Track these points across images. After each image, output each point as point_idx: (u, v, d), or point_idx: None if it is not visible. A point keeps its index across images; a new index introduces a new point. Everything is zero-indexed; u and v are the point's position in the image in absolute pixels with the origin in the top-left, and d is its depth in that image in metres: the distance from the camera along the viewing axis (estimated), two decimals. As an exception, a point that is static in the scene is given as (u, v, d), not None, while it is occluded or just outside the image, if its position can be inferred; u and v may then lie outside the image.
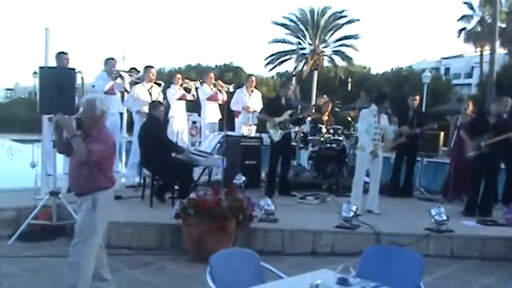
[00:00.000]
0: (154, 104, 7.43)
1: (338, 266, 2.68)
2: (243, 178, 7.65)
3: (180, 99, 9.10)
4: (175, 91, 9.08)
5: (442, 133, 9.39)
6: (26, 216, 6.01)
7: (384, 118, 7.12)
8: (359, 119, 7.42)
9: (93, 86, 8.33)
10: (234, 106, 9.51)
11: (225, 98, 9.29)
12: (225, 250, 3.19)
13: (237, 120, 9.65)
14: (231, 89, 9.46)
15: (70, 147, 3.92)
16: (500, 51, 33.80)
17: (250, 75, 10.00)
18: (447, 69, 48.45)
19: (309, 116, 9.24)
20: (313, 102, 10.63)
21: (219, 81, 9.55)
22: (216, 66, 30.80)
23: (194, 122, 9.91)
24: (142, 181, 7.55)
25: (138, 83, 8.54)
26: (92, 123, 3.95)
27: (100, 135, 3.95)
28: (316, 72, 12.36)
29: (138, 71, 8.77)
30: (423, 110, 13.29)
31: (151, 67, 8.74)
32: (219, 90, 9.35)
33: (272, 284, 2.91)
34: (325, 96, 9.94)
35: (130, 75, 8.53)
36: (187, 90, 9.18)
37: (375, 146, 7.04)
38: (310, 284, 2.67)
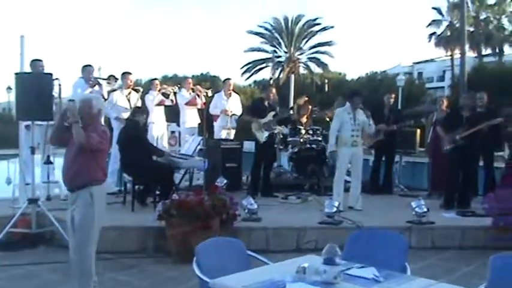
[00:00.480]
0: (140, 110, 7.49)
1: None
2: (225, 181, 7.64)
3: (158, 104, 9.08)
4: (153, 97, 9.06)
5: (418, 130, 9.53)
6: (4, 225, 5.89)
7: (360, 113, 7.22)
8: (333, 118, 7.52)
9: (70, 100, 8.24)
10: (212, 110, 9.52)
11: (204, 101, 9.30)
12: (211, 239, 3.20)
13: (215, 124, 9.66)
14: (209, 94, 9.47)
15: (67, 138, 4.04)
16: (470, 54, 34.62)
17: (227, 79, 10.05)
18: (420, 74, 49.26)
19: (289, 116, 9.31)
20: (291, 105, 10.66)
21: (198, 86, 9.56)
22: (192, 76, 30.69)
23: (173, 132, 9.90)
24: (123, 187, 7.48)
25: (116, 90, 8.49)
26: (90, 122, 4.08)
27: (97, 130, 4.07)
28: (292, 76, 12.51)
29: (116, 79, 8.69)
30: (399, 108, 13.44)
31: (129, 73, 8.70)
32: (197, 95, 9.36)
33: (259, 269, 2.93)
34: (304, 96, 10.02)
35: (108, 83, 8.46)
36: (166, 95, 9.17)
37: (354, 142, 7.14)
38: (297, 267, 2.71)
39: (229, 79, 10.04)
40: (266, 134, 8.07)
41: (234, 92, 9.92)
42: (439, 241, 6.18)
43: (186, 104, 9.40)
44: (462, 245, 6.20)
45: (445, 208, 7.26)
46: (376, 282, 2.61)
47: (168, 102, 9.20)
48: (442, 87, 42.53)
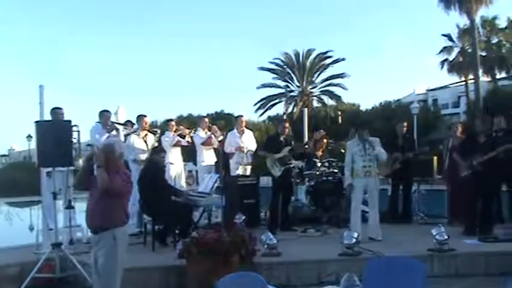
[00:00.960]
0: (157, 149, 7.64)
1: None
2: (243, 217, 7.68)
3: (175, 145, 9.24)
4: (169, 138, 9.24)
5: (435, 157, 9.51)
6: (29, 271, 6.00)
7: (375, 143, 7.27)
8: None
9: (89, 145, 8.45)
10: (227, 148, 9.65)
11: (220, 140, 9.46)
12: (231, 275, 3.24)
13: (231, 161, 9.76)
14: (220, 138, 9.64)
15: (91, 181, 4.21)
16: (484, 78, 34.59)
17: (239, 116, 10.21)
18: (435, 101, 49.12)
19: (304, 151, 9.40)
20: (305, 140, 10.74)
21: (214, 126, 9.74)
22: (207, 114, 31.10)
23: (190, 171, 10.02)
24: (143, 227, 7.56)
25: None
26: (112, 165, 4.21)
27: (119, 173, 4.23)
28: (306, 110, 12.62)
29: (133, 124, 8.91)
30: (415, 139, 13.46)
31: (144, 116, 8.92)
32: (213, 134, 9.52)
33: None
34: (321, 131, 10.11)
35: (125, 128, 8.67)
36: (182, 136, 9.35)
37: (367, 172, 7.21)
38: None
39: (241, 116, 10.21)
40: (281, 168, 8.13)
41: (247, 128, 10.06)
42: (463, 268, 6.09)
43: (202, 144, 9.56)
44: (487, 271, 6.09)
45: (467, 235, 7.18)
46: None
47: (184, 143, 9.37)
48: (458, 113, 42.32)
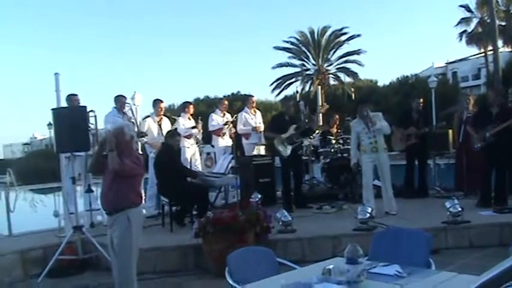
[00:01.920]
0: (170, 133, 7.72)
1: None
2: (259, 196, 7.79)
3: (186, 137, 9.21)
4: (181, 130, 9.21)
5: (450, 131, 9.46)
6: (52, 253, 6.21)
7: (377, 118, 7.28)
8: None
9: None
10: (242, 129, 9.72)
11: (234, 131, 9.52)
12: (241, 249, 3.35)
13: (245, 142, 9.84)
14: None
15: (104, 165, 4.31)
16: (504, 49, 33.89)
17: (251, 96, 10.26)
18: (454, 73, 48.39)
19: (318, 129, 9.46)
20: (319, 116, 10.78)
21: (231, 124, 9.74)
22: (224, 96, 31.21)
23: (208, 153, 10.12)
24: (161, 209, 7.73)
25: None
26: (123, 149, 4.31)
27: (131, 156, 4.34)
28: (319, 88, 12.67)
29: (146, 134, 8.75)
30: (433, 114, 13.38)
31: (160, 101, 9.02)
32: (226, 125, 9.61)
33: (287, 273, 3.06)
34: (325, 104, 10.12)
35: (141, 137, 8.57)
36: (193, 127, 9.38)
37: (373, 148, 7.27)
38: (323, 269, 2.83)
39: (252, 96, 10.27)
40: (289, 148, 8.16)
41: (255, 108, 10.14)
42: (477, 240, 6.13)
43: (213, 131, 9.65)
44: (502, 242, 6.10)
45: (482, 206, 7.19)
46: (399, 278, 2.71)
47: (196, 135, 9.38)
48: (479, 86, 41.68)
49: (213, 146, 10.10)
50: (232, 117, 9.76)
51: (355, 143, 7.48)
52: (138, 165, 4.37)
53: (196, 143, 9.41)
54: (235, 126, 9.63)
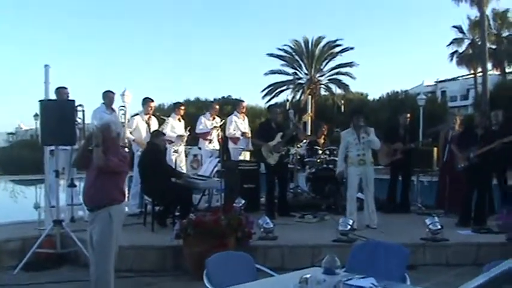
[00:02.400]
0: (156, 133, 7.72)
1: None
2: (243, 201, 7.81)
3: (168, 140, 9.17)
4: (172, 125, 9.23)
5: (435, 149, 9.57)
6: (30, 246, 6.16)
7: (369, 132, 7.36)
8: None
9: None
10: (231, 133, 9.76)
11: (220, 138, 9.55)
12: (220, 253, 3.36)
13: (231, 147, 9.86)
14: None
15: (89, 160, 4.30)
16: (493, 72, 34.35)
17: (241, 100, 10.32)
18: (443, 92, 48.88)
19: (305, 138, 9.52)
20: (307, 126, 10.87)
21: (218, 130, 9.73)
22: (214, 99, 31.18)
23: (195, 155, 10.11)
24: (143, 208, 7.71)
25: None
26: (109, 145, 4.32)
27: (117, 154, 4.34)
28: (309, 98, 12.82)
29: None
30: (420, 131, 13.52)
31: (150, 100, 9.01)
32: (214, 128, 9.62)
33: (265, 280, 3.08)
34: (309, 112, 10.20)
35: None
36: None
37: (361, 161, 7.32)
38: (299, 278, 2.85)
39: (243, 101, 10.32)
40: (277, 155, 8.19)
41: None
42: (454, 258, 6.21)
43: (198, 134, 9.65)
44: (477, 261, 6.17)
45: (461, 226, 7.28)
46: (374, 291, 2.74)
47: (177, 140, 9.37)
48: (466, 106, 42.16)
49: (199, 148, 10.10)
50: (221, 121, 9.77)
51: (343, 152, 7.50)
52: (123, 163, 4.37)
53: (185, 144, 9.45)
54: (223, 131, 9.64)
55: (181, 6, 70.57)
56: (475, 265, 6.04)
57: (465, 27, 34.82)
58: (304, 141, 9.64)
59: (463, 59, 35.30)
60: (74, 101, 6.61)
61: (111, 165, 4.21)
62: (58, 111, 6.20)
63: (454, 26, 35.21)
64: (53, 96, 7.21)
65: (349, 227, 6.34)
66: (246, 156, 9.78)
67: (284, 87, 35.23)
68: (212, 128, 9.64)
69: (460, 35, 35.30)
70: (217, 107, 10.16)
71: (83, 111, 7.20)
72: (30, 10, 71.17)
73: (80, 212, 7.81)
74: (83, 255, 5.89)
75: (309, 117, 9.81)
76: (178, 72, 72.61)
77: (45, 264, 6.17)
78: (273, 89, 35.33)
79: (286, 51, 35.19)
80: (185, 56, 71.61)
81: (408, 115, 9.29)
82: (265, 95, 35.51)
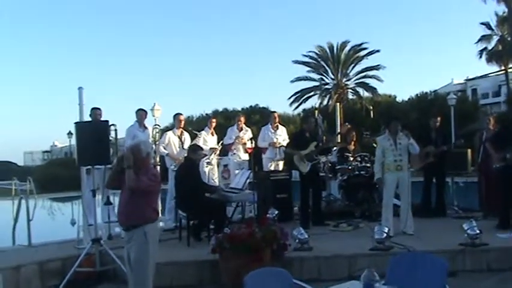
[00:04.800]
0: (193, 148, 7.80)
1: None
2: (276, 212, 7.81)
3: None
4: (205, 139, 9.36)
5: (469, 150, 9.40)
6: (70, 265, 6.28)
7: (403, 138, 7.29)
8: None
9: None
10: (261, 143, 9.81)
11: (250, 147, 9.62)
12: (259, 270, 3.38)
13: (264, 157, 9.90)
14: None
15: (121, 181, 4.39)
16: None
17: (273, 112, 10.38)
18: (474, 90, 48.00)
19: (335, 146, 9.49)
20: (337, 132, 10.82)
21: (243, 139, 9.82)
22: (242, 109, 31.33)
23: (225, 165, 10.18)
24: (178, 223, 7.79)
25: None
26: (140, 165, 4.42)
27: (147, 173, 4.43)
28: (338, 105, 12.83)
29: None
30: (452, 131, 13.29)
31: (180, 114, 9.20)
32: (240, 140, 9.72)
33: (304, 296, 3.08)
34: (347, 124, 10.14)
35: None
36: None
37: (398, 167, 7.23)
38: (339, 293, 2.85)
39: (274, 112, 10.34)
40: (309, 164, 8.20)
41: (280, 124, 10.17)
42: (495, 263, 6.06)
43: (224, 144, 9.79)
44: (520, 266, 6.05)
45: (501, 229, 7.12)
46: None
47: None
48: (498, 103, 41.26)
49: (229, 158, 10.17)
50: (246, 132, 9.83)
51: (381, 158, 7.42)
52: (154, 182, 4.44)
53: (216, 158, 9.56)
54: (251, 141, 9.69)
55: (207, 15, 71.13)
56: (519, 269, 5.94)
57: (493, 24, 34.19)
58: (335, 148, 9.60)
59: (492, 56, 34.62)
60: (107, 121, 6.75)
61: (142, 186, 4.30)
62: (93, 132, 6.36)
63: (481, 23, 34.64)
64: (86, 117, 7.41)
65: (385, 234, 6.27)
66: (277, 166, 9.79)
67: (311, 94, 35.12)
68: (236, 139, 9.68)
69: (489, 32, 34.65)
70: (242, 118, 10.20)
71: (116, 130, 7.37)
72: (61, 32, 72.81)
73: (116, 229, 7.93)
74: (121, 272, 5.98)
75: (347, 129, 9.75)
76: (205, 83, 73.13)
77: (86, 282, 6.28)
78: (300, 96, 35.25)
79: (311, 57, 35.10)
80: (212, 66, 72.11)
81: (438, 118, 9.15)
82: (293, 102, 35.51)
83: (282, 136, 9.93)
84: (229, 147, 9.80)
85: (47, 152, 56.77)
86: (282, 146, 9.73)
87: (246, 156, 9.79)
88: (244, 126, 10.05)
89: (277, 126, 9.97)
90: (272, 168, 9.68)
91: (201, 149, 8.03)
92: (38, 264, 6.46)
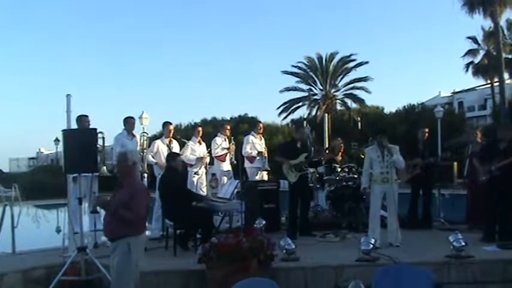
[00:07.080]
0: (171, 155, 7.76)
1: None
2: (263, 222, 7.80)
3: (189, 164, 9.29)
4: (192, 148, 9.36)
5: (455, 163, 9.49)
6: (55, 273, 6.20)
7: (394, 150, 7.34)
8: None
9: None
10: (247, 152, 9.81)
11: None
12: (245, 281, 3.38)
13: (248, 166, 9.90)
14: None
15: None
16: (510, 81, 34.00)
17: (259, 121, 10.47)
18: (460, 103, 48.55)
19: (323, 157, 9.53)
20: (326, 145, 10.87)
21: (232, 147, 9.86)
22: (231, 118, 31.33)
23: (213, 174, 10.17)
24: (165, 232, 7.75)
25: None
26: (126, 174, 4.41)
27: (132, 186, 4.40)
28: (326, 116, 12.92)
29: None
30: (439, 143, 13.41)
31: (169, 123, 9.19)
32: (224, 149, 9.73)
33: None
34: (339, 138, 10.20)
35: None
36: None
37: (384, 179, 7.29)
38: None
39: (260, 122, 10.40)
40: (296, 174, 8.22)
41: (262, 135, 10.27)
42: (480, 275, 6.08)
43: (216, 157, 9.79)
44: (506, 278, 6.08)
45: (486, 241, 7.17)
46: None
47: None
48: (484, 116, 41.72)
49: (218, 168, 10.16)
50: (230, 142, 9.84)
51: (368, 169, 7.49)
52: (139, 200, 4.41)
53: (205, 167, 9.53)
54: (237, 151, 9.72)
55: (197, 23, 71.27)
56: (503, 282, 5.98)
57: (479, 38, 34.66)
58: (322, 158, 9.63)
59: (479, 70, 35.04)
60: (95, 129, 6.71)
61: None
62: (80, 140, 6.31)
63: (468, 37, 35.06)
64: (74, 124, 7.36)
65: (371, 245, 6.29)
66: (263, 176, 9.80)
67: (300, 104, 35.32)
68: (225, 150, 9.71)
69: (475, 46, 35.09)
70: (228, 127, 10.20)
71: (103, 137, 7.34)
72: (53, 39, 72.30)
73: (102, 238, 7.83)
74: (107, 282, 5.93)
75: (339, 143, 9.83)
76: (193, 92, 73.04)
77: (70, 291, 6.22)
78: (288, 106, 35.43)
79: (300, 68, 35.36)
80: (201, 75, 72.15)
81: (426, 130, 9.23)
82: (281, 112, 35.64)
83: (262, 146, 10.01)
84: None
85: (33, 158, 56.24)
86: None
87: (229, 167, 9.82)
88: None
89: (261, 136, 10.03)
90: (258, 178, 9.68)
91: (178, 155, 7.99)
92: (22, 273, 6.39)
